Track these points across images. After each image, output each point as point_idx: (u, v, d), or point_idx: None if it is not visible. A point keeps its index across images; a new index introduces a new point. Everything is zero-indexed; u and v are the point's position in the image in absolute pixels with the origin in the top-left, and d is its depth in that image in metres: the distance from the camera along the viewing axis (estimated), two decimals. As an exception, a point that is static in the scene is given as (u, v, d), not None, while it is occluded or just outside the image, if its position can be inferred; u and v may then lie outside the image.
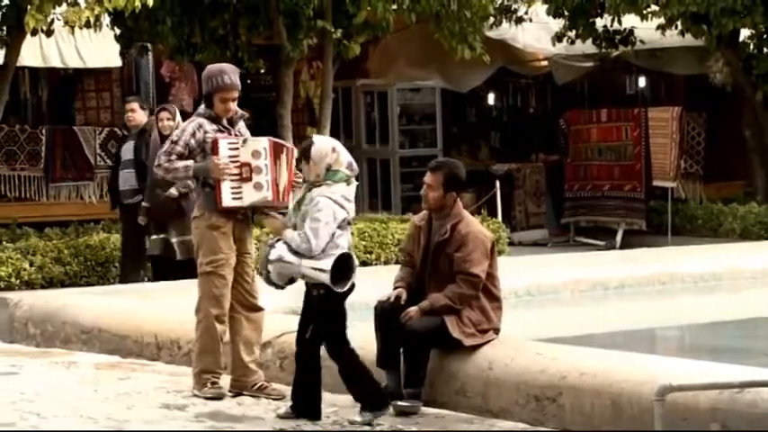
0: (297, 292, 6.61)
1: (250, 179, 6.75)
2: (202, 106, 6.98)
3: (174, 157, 6.82)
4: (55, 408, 6.68)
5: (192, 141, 6.84)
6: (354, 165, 6.48)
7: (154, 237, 10.37)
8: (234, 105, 6.91)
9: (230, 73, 6.88)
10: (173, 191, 10.07)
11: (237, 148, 6.78)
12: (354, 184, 6.46)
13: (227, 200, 6.76)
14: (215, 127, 6.87)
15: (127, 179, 10.78)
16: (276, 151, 6.82)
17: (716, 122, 17.27)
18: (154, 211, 10.30)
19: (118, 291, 10.20)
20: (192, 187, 9.93)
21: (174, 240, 10.20)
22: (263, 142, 6.86)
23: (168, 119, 10.33)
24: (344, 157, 6.42)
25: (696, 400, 5.57)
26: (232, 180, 6.73)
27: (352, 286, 6.35)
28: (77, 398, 6.94)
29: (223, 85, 6.84)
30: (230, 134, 6.89)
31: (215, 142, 6.78)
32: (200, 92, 18.08)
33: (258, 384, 6.91)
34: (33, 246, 11.48)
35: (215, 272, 6.80)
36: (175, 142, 6.87)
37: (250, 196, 6.77)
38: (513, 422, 6.25)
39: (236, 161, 6.75)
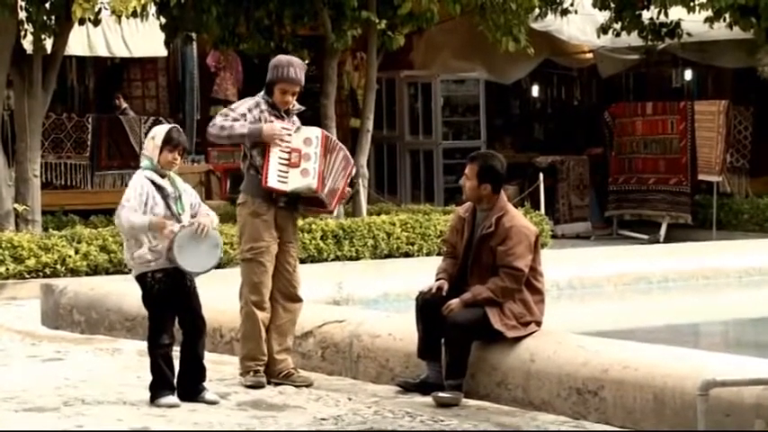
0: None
1: (298, 165, 6.81)
2: (262, 92, 6.99)
3: (229, 118, 6.83)
4: (98, 394, 6.75)
5: (249, 115, 6.87)
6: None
7: None
8: (293, 99, 6.95)
9: (297, 67, 6.92)
10: None
11: (290, 134, 6.84)
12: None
13: (273, 181, 6.79)
14: (273, 112, 6.93)
15: None
16: (328, 145, 6.91)
17: (763, 116, 17.06)
18: None
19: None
20: None
21: None
22: (315, 131, 6.96)
23: None
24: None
25: (740, 395, 5.52)
26: (281, 163, 6.78)
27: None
28: (121, 384, 7.01)
29: (287, 77, 6.88)
30: (284, 121, 6.95)
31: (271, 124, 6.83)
32: (245, 82, 18.11)
33: (284, 372, 6.94)
34: (79, 233, 11.55)
35: (254, 259, 6.86)
36: (232, 109, 6.93)
37: (295, 181, 6.81)
38: (554, 415, 6.23)
39: (288, 146, 6.81)
